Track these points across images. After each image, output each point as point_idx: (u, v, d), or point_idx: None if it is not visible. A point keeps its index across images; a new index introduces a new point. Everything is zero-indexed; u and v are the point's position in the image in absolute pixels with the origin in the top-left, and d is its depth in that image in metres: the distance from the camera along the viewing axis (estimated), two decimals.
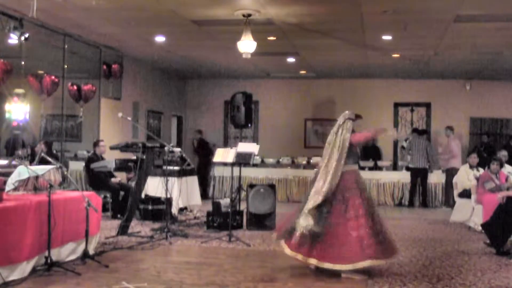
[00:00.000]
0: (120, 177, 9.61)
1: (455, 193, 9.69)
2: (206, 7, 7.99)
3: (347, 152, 5.46)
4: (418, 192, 12.24)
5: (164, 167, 7.72)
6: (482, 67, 12.34)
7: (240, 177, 8.88)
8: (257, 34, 8.53)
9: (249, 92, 10.34)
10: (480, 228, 7.66)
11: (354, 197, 5.39)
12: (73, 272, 5.18)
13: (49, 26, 9.09)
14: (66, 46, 9.68)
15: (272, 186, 8.74)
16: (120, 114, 7.72)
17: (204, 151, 13.84)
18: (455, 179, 9.82)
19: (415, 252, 6.72)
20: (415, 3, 7.62)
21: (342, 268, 5.23)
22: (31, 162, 6.88)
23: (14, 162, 6.84)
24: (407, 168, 12.53)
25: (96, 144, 9.54)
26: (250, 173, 12.58)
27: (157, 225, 8.19)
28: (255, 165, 12.23)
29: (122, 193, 9.14)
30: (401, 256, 6.42)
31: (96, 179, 9.16)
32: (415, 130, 13.10)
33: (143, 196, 8.46)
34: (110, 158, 8.93)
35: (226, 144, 15.03)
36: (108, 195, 9.22)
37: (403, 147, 13.99)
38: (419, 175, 12.11)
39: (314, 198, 5.38)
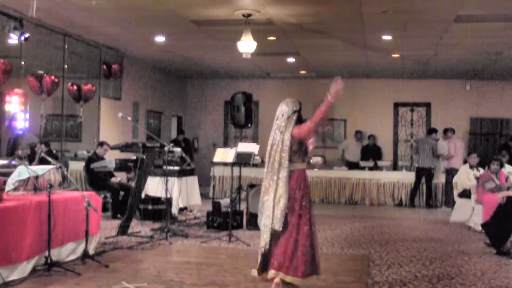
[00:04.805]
0: (120, 177, 9.61)
1: (455, 193, 9.69)
2: (206, 7, 7.99)
3: (295, 149, 4.71)
4: (419, 192, 12.23)
5: (164, 167, 7.72)
6: (482, 67, 12.33)
7: (240, 177, 8.88)
8: (257, 34, 8.54)
9: (249, 92, 10.32)
10: (480, 228, 7.67)
11: (295, 202, 4.60)
12: (73, 272, 5.18)
13: (49, 26, 9.09)
14: (66, 46, 9.68)
15: None
16: (120, 114, 7.72)
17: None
18: (455, 179, 9.82)
19: (415, 252, 6.72)
20: (415, 3, 7.62)
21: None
22: (31, 162, 6.88)
23: (14, 162, 6.83)
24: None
25: (101, 144, 9.49)
26: (250, 173, 12.56)
27: (157, 225, 8.19)
28: (255, 165, 12.19)
29: (122, 193, 9.13)
30: (401, 256, 6.45)
31: (96, 179, 9.15)
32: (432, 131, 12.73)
33: (143, 196, 8.47)
34: (110, 158, 8.93)
35: (226, 144, 15.02)
36: (108, 195, 9.21)
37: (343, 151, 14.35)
38: (423, 175, 12.10)
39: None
